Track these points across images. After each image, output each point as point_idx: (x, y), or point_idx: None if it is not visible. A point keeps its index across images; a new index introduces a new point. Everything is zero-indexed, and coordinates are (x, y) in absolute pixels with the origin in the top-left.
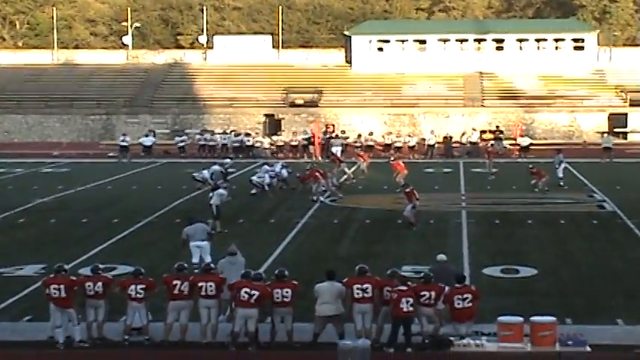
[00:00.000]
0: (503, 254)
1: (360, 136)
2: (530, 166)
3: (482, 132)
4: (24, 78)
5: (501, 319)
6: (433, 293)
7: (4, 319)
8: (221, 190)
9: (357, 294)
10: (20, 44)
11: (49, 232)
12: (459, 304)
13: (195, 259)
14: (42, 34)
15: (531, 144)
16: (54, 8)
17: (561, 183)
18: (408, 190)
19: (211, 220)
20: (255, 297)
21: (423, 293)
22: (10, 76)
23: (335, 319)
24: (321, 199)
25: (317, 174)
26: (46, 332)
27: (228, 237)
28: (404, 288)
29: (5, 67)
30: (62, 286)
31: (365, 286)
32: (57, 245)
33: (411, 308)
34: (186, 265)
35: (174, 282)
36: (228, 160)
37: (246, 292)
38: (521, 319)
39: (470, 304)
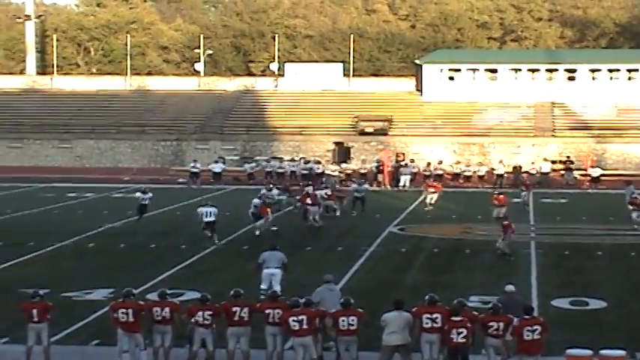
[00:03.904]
0: (572, 286)
1: (429, 164)
2: (634, 195)
3: (553, 162)
4: (97, 104)
5: (570, 351)
6: (501, 324)
7: (72, 343)
8: (260, 221)
9: (427, 323)
10: (94, 70)
11: (118, 256)
12: (528, 335)
13: (264, 286)
14: (115, 61)
15: (602, 175)
16: (128, 35)
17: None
18: (506, 222)
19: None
20: (304, 322)
21: (491, 324)
22: (84, 101)
23: (402, 348)
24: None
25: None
26: (113, 356)
27: (296, 264)
28: (456, 319)
29: (79, 92)
30: (130, 311)
31: (435, 315)
32: (125, 270)
33: (462, 340)
34: (242, 291)
35: (234, 308)
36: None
37: (294, 321)
38: (590, 352)
39: (539, 337)
